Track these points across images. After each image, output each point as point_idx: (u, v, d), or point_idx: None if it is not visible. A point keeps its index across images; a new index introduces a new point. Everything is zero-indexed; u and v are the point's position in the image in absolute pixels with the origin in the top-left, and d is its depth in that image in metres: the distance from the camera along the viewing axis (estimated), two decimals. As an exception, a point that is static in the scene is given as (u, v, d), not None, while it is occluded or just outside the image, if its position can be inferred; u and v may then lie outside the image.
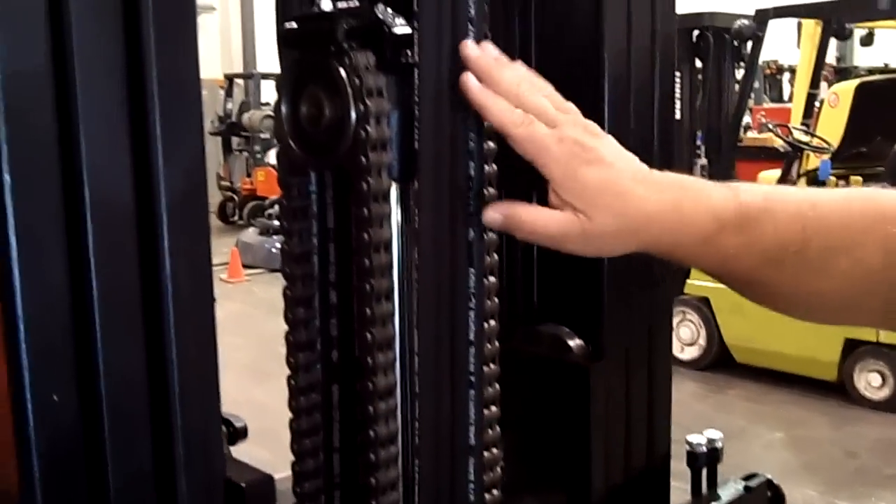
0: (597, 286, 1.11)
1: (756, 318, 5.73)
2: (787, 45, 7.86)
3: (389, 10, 0.84)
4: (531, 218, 0.86)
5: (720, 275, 0.91)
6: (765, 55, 7.63)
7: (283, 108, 0.86)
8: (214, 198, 12.36)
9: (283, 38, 0.85)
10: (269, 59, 14.20)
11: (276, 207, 10.22)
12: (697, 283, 6.00)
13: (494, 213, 0.87)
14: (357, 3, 0.83)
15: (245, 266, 9.60)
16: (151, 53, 0.62)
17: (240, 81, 13.63)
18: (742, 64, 6.64)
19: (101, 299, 0.66)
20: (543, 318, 1.12)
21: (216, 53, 15.15)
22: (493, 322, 0.91)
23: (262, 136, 12.34)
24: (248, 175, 12.81)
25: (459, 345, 0.89)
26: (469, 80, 0.84)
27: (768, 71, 13.71)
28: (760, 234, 0.85)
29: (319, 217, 0.93)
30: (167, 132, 0.64)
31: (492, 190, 0.91)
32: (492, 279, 0.91)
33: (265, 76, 12.88)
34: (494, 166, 0.91)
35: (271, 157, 12.61)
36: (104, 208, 0.66)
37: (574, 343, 1.08)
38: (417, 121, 0.83)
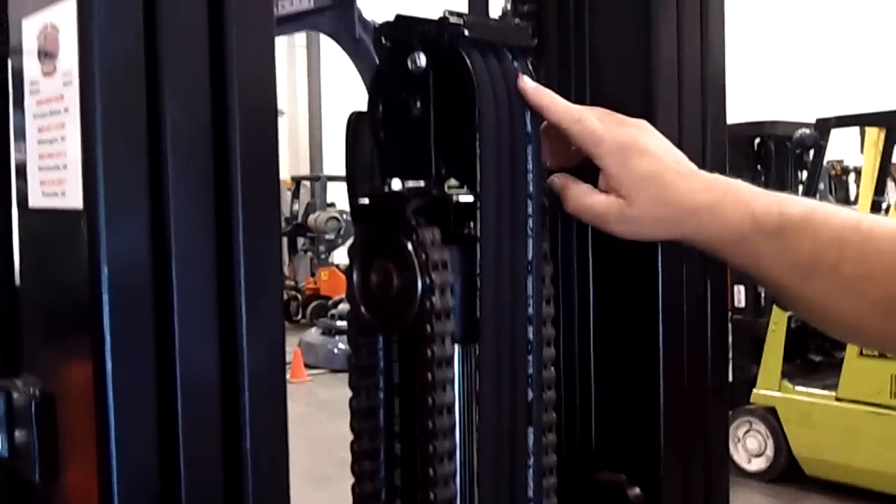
0: (654, 434, 1.13)
1: (826, 429, 5.61)
2: (852, 145, 7.85)
3: (454, 188, 0.91)
4: (579, 194, 0.94)
5: (754, 275, 0.94)
6: (829, 155, 7.62)
7: (355, 276, 0.92)
8: (279, 296, 12.57)
9: (356, 212, 0.92)
10: (335, 162, 14.60)
11: (340, 307, 10.32)
12: (764, 392, 5.91)
13: (556, 180, 0.95)
14: (423, 183, 0.90)
15: (307, 366, 9.71)
16: (240, 251, 0.69)
17: (306, 183, 14.01)
18: (805, 172, 6.64)
19: (188, 468, 0.72)
20: (601, 465, 1.15)
21: (284, 155, 15.59)
22: (552, 479, 0.95)
23: (327, 236, 12.61)
24: (313, 274, 13.06)
25: (519, 502, 0.92)
26: (525, 80, 0.91)
27: (833, 172, 13.60)
28: (797, 244, 0.88)
29: (386, 374, 0.98)
30: (251, 322, 0.71)
31: (550, 349, 0.96)
32: (550, 436, 0.95)
33: (331, 178, 13.21)
34: (552, 329, 0.96)
35: (335, 257, 12.86)
36: (192, 386, 0.73)
37: (632, 492, 1.10)
38: (479, 290, 0.89)
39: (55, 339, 0.79)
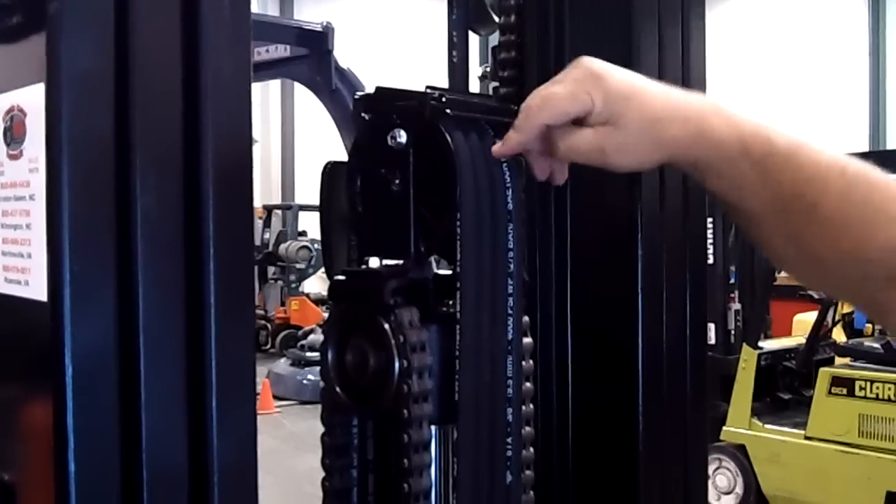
0: (632, 481, 1.12)
1: (795, 467, 5.61)
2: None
3: (433, 266, 0.89)
4: (565, 135, 0.88)
5: (731, 206, 0.90)
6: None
7: (329, 355, 0.90)
8: (248, 326, 12.43)
9: (333, 289, 0.90)
10: (307, 191, 14.55)
11: (309, 338, 10.18)
12: (733, 429, 5.91)
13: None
14: (401, 262, 0.88)
15: (276, 397, 9.56)
16: (212, 349, 0.66)
17: (278, 212, 13.92)
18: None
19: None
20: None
21: (256, 184, 15.50)
22: (530, 560, 0.92)
23: (298, 266, 12.51)
24: (283, 304, 12.93)
25: (496, 589, 0.89)
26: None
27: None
28: (779, 175, 0.85)
29: (360, 451, 0.95)
30: (221, 417, 0.68)
31: (528, 428, 0.94)
32: (528, 518, 0.92)
33: (303, 207, 13.13)
34: (532, 406, 0.94)
35: (306, 286, 12.77)
36: (160, 480, 0.70)
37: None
38: (458, 372, 0.86)
39: (16, 428, 0.75)
